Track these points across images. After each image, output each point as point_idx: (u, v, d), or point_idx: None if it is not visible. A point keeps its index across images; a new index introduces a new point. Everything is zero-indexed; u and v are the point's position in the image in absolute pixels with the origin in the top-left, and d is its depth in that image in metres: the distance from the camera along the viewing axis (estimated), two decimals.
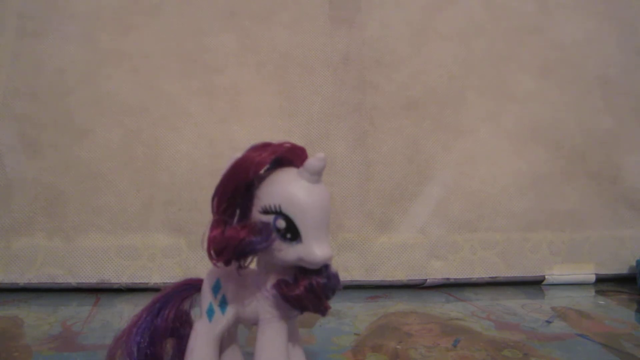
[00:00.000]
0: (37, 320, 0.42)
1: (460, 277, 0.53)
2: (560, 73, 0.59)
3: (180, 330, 0.28)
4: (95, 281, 0.50)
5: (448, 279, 0.53)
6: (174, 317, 0.28)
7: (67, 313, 0.44)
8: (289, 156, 0.25)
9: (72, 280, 0.50)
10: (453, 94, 0.57)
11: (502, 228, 0.54)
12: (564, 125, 0.56)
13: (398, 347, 0.36)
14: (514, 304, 0.47)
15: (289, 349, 0.26)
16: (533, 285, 0.54)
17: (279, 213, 0.24)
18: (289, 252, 0.24)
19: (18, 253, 0.50)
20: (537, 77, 0.58)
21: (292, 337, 0.27)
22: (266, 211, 0.24)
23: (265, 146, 0.25)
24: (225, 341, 0.27)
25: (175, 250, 0.51)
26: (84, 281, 0.50)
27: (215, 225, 0.25)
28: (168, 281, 0.49)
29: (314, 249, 0.24)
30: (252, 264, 0.26)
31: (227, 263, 0.25)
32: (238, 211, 0.25)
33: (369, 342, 0.38)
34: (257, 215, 0.25)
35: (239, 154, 0.25)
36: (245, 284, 0.26)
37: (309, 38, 0.57)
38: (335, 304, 0.47)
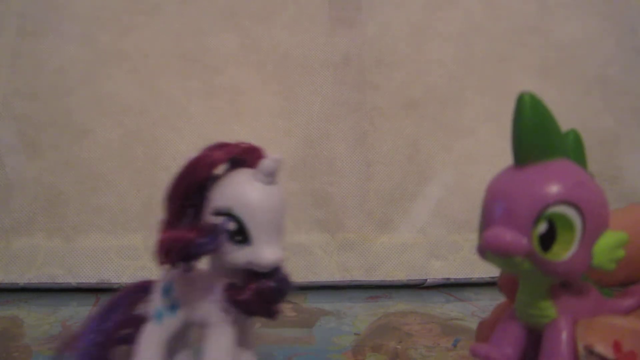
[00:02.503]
0: (37, 320, 0.42)
1: (460, 277, 0.53)
2: (560, 73, 0.59)
3: (133, 334, 0.27)
4: (95, 281, 0.50)
5: (448, 279, 0.53)
6: (124, 321, 0.27)
7: (67, 313, 0.44)
8: (245, 157, 0.25)
9: (72, 280, 0.50)
10: (453, 94, 0.57)
11: None
12: (564, 125, 0.56)
13: (398, 347, 0.36)
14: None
15: (238, 355, 0.26)
16: None
17: (230, 215, 0.23)
18: (238, 255, 0.24)
19: (18, 253, 0.50)
20: (537, 77, 0.58)
21: (244, 342, 0.26)
22: (217, 213, 0.24)
23: (220, 146, 0.25)
24: (176, 344, 0.27)
25: None
26: (84, 281, 0.50)
27: (165, 226, 0.24)
28: None
29: (263, 251, 0.23)
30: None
31: (174, 264, 0.24)
32: (191, 213, 0.24)
33: (369, 342, 0.38)
34: (209, 217, 0.24)
35: (193, 154, 0.24)
36: (196, 287, 0.25)
37: (309, 38, 0.57)
38: (335, 303, 0.47)
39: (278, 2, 0.57)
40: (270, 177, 0.24)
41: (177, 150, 0.53)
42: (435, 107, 0.56)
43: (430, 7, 0.59)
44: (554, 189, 0.19)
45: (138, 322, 0.27)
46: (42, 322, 0.42)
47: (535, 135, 0.19)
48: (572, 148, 0.21)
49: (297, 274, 0.51)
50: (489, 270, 0.54)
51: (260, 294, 0.24)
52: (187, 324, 0.26)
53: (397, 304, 0.48)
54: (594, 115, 0.57)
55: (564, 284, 0.20)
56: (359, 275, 0.52)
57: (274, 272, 0.24)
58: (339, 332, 0.40)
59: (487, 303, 0.47)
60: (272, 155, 0.24)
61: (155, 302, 0.26)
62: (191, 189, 0.24)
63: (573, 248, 0.18)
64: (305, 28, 0.57)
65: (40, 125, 0.52)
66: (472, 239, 0.54)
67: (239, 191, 0.24)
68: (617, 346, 0.18)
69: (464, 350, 0.36)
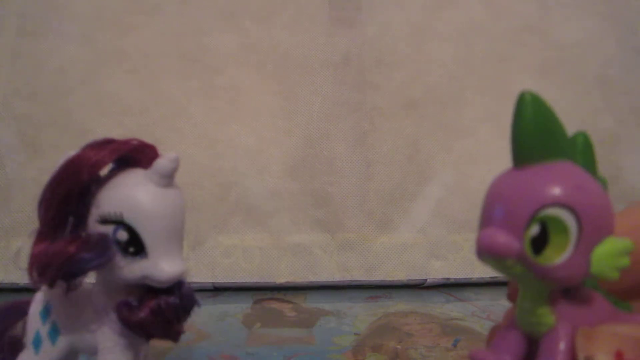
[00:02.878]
0: None
1: (461, 277, 0.53)
2: (560, 73, 0.59)
3: None
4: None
5: (448, 279, 0.53)
6: None
7: None
8: (135, 155, 0.22)
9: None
10: (453, 94, 0.57)
11: None
12: (564, 125, 0.56)
13: (398, 347, 0.36)
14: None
15: None
16: None
17: (120, 223, 0.20)
18: (132, 269, 0.20)
19: (18, 253, 0.50)
20: (537, 77, 0.58)
21: None
22: (105, 220, 0.20)
23: (106, 143, 0.22)
24: None
25: None
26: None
27: (39, 238, 0.21)
28: None
29: (161, 264, 0.20)
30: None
31: (52, 284, 0.20)
32: (71, 221, 0.21)
33: (369, 342, 0.38)
34: (94, 226, 0.21)
35: (72, 152, 0.21)
36: (81, 307, 0.22)
37: (309, 38, 0.57)
38: (335, 303, 0.47)
39: (278, 2, 0.57)
40: (167, 179, 0.21)
41: (177, 150, 0.52)
42: (435, 107, 0.56)
43: (430, 7, 0.59)
44: (548, 191, 0.18)
45: (11, 350, 0.23)
46: None
47: (535, 137, 0.19)
48: (581, 151, 0.20)
49: (297, 274, 0.51)
50: (489, 270, 0.54)
51: (159, 313, 0.21)
52: (72, 351, 0.22)
53: (397, 304, 0.48)
54: (594, 115, 0.57)
55: (566, 292, 0.20)
56: (359, 275, 0.52)
57: (175, 287, 0.21)
58: (339, 332, 0.40)
59: (487, 303, 0.47)
60: (167, 154, 0.21)
61: (32, 327, 0.23)
62: (71, 194, 0.20)
63: (567, 253, 0.18)
64: (305, 28, 0.57)
65: (40, 125, 0.52)
66: (472, 239, 0.54)
67: (131, 195, 0.20)
68: (619, 356, 0.18)
69: (464, 350, 0.36)
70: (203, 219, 0.52)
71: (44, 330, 0.22)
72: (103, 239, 0.20)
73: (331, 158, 0.54)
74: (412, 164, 0.55)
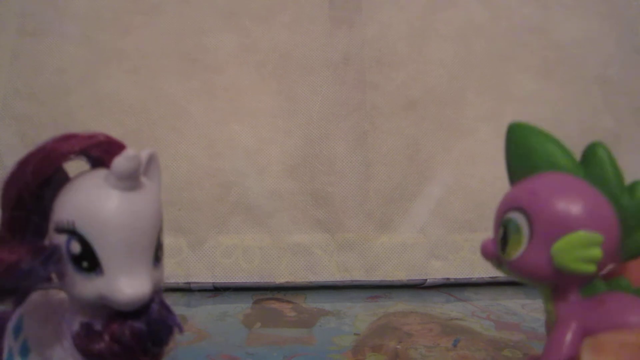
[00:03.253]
0: None
1: (460, 277, 0.53)
2: (560, 73, 0.59)
3: None
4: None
5: (448, 279, 0.53)
6: None
7: None
8: (99, 153, 0.19)
9: None
10: (453, 94, 0.57)
11: None
12: (564, 125, 0.56)
13: (398, 347, 0.36)
14: (514, 304, 0.47)
15: None
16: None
17: (73, 232, 0.17)
18: (86, 287, 0.18)
19: None
20: (537, 77, 0.58)
21: None
22: (59, 229, 0.18)
23: (67, 137, 0.19)
24: None
25: (176, 250, 0.51)
26: None
27: None
28: (168, 281, 0.49)
29: (119, 284, 0.17)
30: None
31: None
32: (32, 226, 0.18)
33: (369, 342, 0.38)
34: (52, 235, 0.18)
35: (31, 148, 0.19)
36: (48, 325, 0.19)
37: (309, 38, 0.57)
38: (335, 303, 0.47)
39: (278, 2, 0.57)
40: (127, 181, 0.18)
41: (177, 150, 0.53)
42: (435, 107, 0.56)
43: (430, 7, 0.59)
44: (508, 199, 0.22)
45: None
46: None
47: (518, 160, 0.23)
48: (592, 162, 0.22)
49: (297, 274, 0.51)
50: (489, 270, 0.54)
51: (122, 342, 0.18)
52: None
53: (397, 304, 0.48)
54: (594, 115, 0.57)
55: (583, 292, 0.21)
56: (359, 275, 0.52)
57: (144, 311, 0.18)
58: (339, 332, 0.40)
59: (487, 303, 0.47)
60: (127, 151, 0.18)
61: (6, 343, 0.20)
62: (25, 194, 0.18)
63: (522, 248, 0.21)
64: (305, 28, 0.57)
65: (40, 125, 0.52)
66: (472, 239, 0.54)
67: (84, 200, 0.18)
68: None
69: (464, 350, 0.36)
70: (203, 219, 0.52)
71: (16, 347, 0.20)
72: (51, 249, 0.18)
73: (331, 158, 0.54)
74: (412, 164, 0.55)
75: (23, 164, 0.18)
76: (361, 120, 0.55)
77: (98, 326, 0.18)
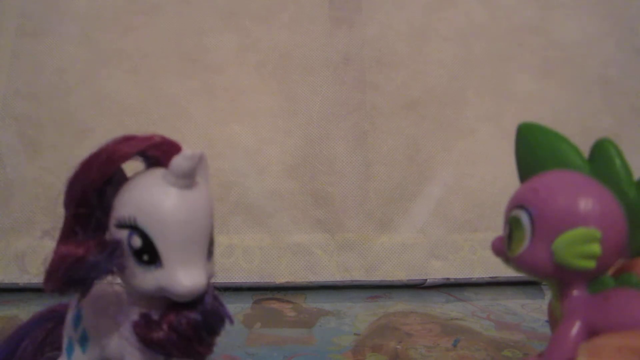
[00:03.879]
0: None
1: (460, 277, 0.53)
2: (560, 73, 0.59)
3: None
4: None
5: (448, 279, 0.53)
6: (35, 351, 0.23)
7: None
8: (156, 153, 0.20)
9: None
10: (453, 94, 0.57)
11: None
12: (564, 125, 0.56)
13: (398, 347, 0.36)
14: (514, 304, 0.47)
15: None
16: (533, 285, 0.54)
17: (134, 228, 0.19)
18: (146, 279, 0.19)
19: (18, 253, 0.50)
20: (537, 77, 0.58)
21: None
22: (120, 225, 0.19)
23: (127, 139, 0.20)
24: None
25: None
26: None
27: (59, 239, 0.20)
28: None
29: (177, 276, 0.18)
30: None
31: (59, 290, 0.19)
32: (93, 224, 0.19)
33: (369, 342, 0.38)
34: (113, 230, 0.19)
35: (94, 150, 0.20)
36: (107, 316, 0.20)
37: (309, 38, 0.57)
38: (336, 303, 0.47)
39: (278, 2, 0.57)
40: (185, 179, 0.19)
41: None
42: (435, 107, 0.56)
43: (430, 7, 0.59)
44: (514, 196, 0.22)
45: (53, 353, 0.22)
46: None
47: (527, 159, 0.23)
48: (599, 158, 0.22)
49: (297, 274, 0.51)
50: (488, 270, 0.54)
51: (179, 331, 0.19)
52: None
53: (397, 304, 0.48)
54: (594, 115, 0.57)
55: (591, 289, 0.21)
56: (359, 275, 0.52)
57: (199, 302, 0.19)
58: (339, 332, 0.40)
59: (487, 303, 0.47)
60: (185, 151, 0.19)
61: (66, 333, 0.22)
62: (87, 193, 0.19)
63: (524, 245, 0.21)
64: (305, 28, 0.57)
65: (40, 125, 0.52)
66: (472, 239, 0.54)
67: (145, 197, 0.19)
68: None
69: (464, 350, 0.36)
70: None
71: (76, 337, 0.21)
72: (114, 243, 0.19)
73: (331, 158, 0.54)
74: (412, 164, 0.55)
75: (86, 164, 0.19)
76: (361, 120, 0.55)
77: (156, 316, 0.19)
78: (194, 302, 0.19)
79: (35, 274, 0.50)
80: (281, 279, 0.51)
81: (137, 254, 0.19)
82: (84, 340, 0.21)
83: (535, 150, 0.23)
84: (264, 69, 0.56)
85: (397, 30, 0.58)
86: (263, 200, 0.53)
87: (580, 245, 0.20)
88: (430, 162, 0.55)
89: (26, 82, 0.53)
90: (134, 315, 0.20)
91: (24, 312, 0.44)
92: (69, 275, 0.19)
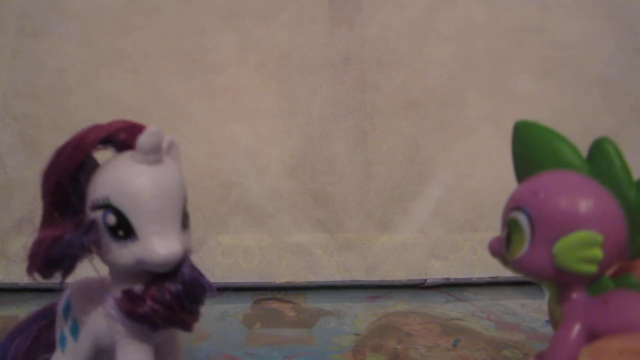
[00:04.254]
0: None
1: (460, 277, 0.53)
2: (560, 73, 0.59)
3: None
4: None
5: (448, 279, 0.53)
6: (30, 348, 0.23)
7: None
8: (124, 137, 0.21)
9: (72, 280, 0.50)
10: (453, 94, 0.57)
11: None
12: (564, 125, 0.56)
13: (398, 347, 0.36)
14: (514, 304, 0.47)
15: None
16: (533, 285, 0.54)
17: (108, 206, 0.19)
18: (124, 254, 0.19)
19: (18, 253, 0.50)
20: (537, 77, 0.58)
21: (169, 357, 0.22)
22: (95, 206, 0.20)
23: (93, 127, 0.21)
24: None
25: None
26: None
27: (40, 228, 0.20)
28: None
29: (153, 245, 0.19)
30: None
31: (46, 274, 0.20)
32: (70, 210, 0.20)
33: (369, 342, 0.38)
34: (89, 214, 0.20)
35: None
36: (97, 301, 0.21)
37: (309, 38, 0.57)
38: (336, 303, 0.47)
39: (278, 2, 0.57)
40: (151, 155, 0.20)
41: None
42: (435, 107, 0.56)
43: (430, 7, 0.59)
44: (512, 198, 0.22)
45: (48, 349, 0.23)
46: None
47: (525, 158, 0.23)
48: (598, 158, 0.22)
49: (297, 274, 0.51)
50: (488, 270, 0.54)
51: (162, 302, 0.19)
52: (98, 349, 0.21)
53: (397, 304, 0.48)
54: (594, 115, 0.57)
55: (590, 292, 0.21)
56: (359, 275, 0.52)
57: (177, 271, 0.20)
58: (339, 332, 0.40)
59: (487, 303, 0.47)
60: (149, 128, 0.20)
61: (58, 325, 0.22)
62: (61, 181, 0.20)
63: (524, 248, 0.21)
64: (305, 28, 0.57)
65: (40, 125, 0.52)
66: (472, 239, 0.54)
67: (115, 176, 0.20)
68: None
69: (464, 350, 0.36)
70: (203, 219, 0.52)
71: (67, 327, 0.22)
72: (90, 222, 0.20)
73: (331, 158, 0.54)
74: (412, 164, 0.55)
75: (58, 154, 0.20)
76: (361, 120, 0.55)
77: (139, 292, 0.20)
78: (173, 273, 0.20)
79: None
80: (281, 279, 0.51)
81: (113, 230, 0.19)
82: (75, 329, 0.21)
83: (532, 149, 0.22)
84: (264, 69, 0.56)
85: (397, 30, 0.58)
86: (263, 200, 0.53)
87: (581, 249, 0.19)
88: (430, 162, 0.55)
89: (26, 82, 0.53)
90: (118, 293, 0.20)
91: (24, 312, 0.44)
92: (48, 255, 0.19)
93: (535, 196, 0.21)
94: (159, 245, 0.19)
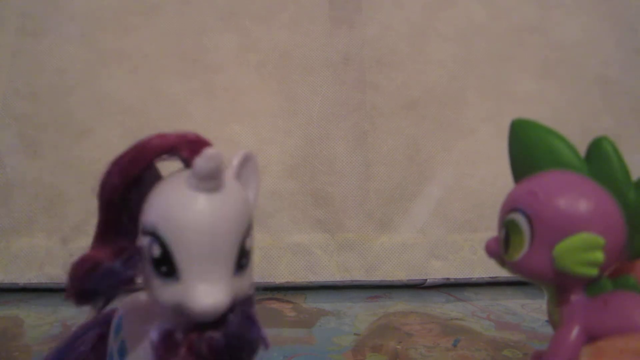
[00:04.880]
0: (37, 320, 0.42)
1: (460, 277, 0.53)
2: (560, 73, 0.59)
3: None
4: None
5: (448, 279, 0.53)
6: (88, 357, 0.21)
7: (67, 313, 0.44)
8: (188, 154, 0.18)
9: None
10: (453, 94, 0.57)
11: None
12: (564, 125, 0.56)
13: (398, 347, 0.36)
14: (514, 304, 0.47)
15: None
16: (533, 285, 0.54)
17: (155, 235, 0.17)
18: (165, 293, 0.17)
19: (18, 253, 0.50)
20: (537, 77, 0.58)
21: None
22: (144, 231, 0.17)
23: (157, 136, 0.18)
24: None
25: None
26: None
27: (92, 243, 0.18)
28: None
29: (195, 292, 0.16)
30: None
31: (78, 301, 0.17)
32: (127, 229, 0.18)
33: (369, 342, 0.38)
34: (140, 236, 0.17)
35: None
36: (146, 328, 0.18)
37: (309, 38, 0.57)
38: (336, 303, 0.47)
39: (278, 2, 0.57)
40: (208, 182, 0.17)
41: None
42: (435, 107, 0.56)
43: (430, 7, 0.59)
44: (509, 198, 0.22)
45: None
46: (42, 322, 0.42)
47: (522, 157, 0.22)
48: (598, 158, 0.21)
49: (297, 274, 0.51)
50: (489, 270, 0.54)
51: (199, 354, 0.17)
52: None
53: (397, 304, 0.48)
54: (594, 115, 0.57)
55: (589, 293, 0.20)
56: (359, 275, 0.52)
57: (224, 320, 0.17)
58: (339, 332, 0.40)
59: (487, 303, 0.47)
60: (206, 150, 0.17)
61: (109, 342, 0.20)
62: (113, 197, 0.17)
63: (523, 250, 0.20)
64: (305, 28, 0.57)
65: (40, 125, 0.52)
66: (472, 239, 0.54)
67: (165, 201, 0.17)
68: None
69: (464, 350, 0.36)
70: None
71: (115, 347, 0.20)
72: (134, 250, 0.17)
73: (331, 158, 0.54)
74: (412, 164, 0.55)
75: (116, 162, 0.18)
76: (361, 120, 0.55)
77: (179, 334, 0.17)
78: (217, 322, 0.17)
79: (35, 274, 0.50)
80: (281, 279, 0.51)
81: (156, 264, 0.17)
82: (122, 352, 0.19)
83: (530, 148, 0.22)
84: (264, 69, 0.56)
85: (397, 30, 0.58)
86: (263, 200, 0.53)
87: (583, 252, 0.19)
88: (430, 162, 0.55)
89: (26, 82, 0.53)
90: (158, 331, 0.17)
91: (24, 312, 0.44)
92: (87, 280, 0.17)
93: (534, 197, 0.20)
94: (201, 292, 0.16)
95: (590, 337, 0.19)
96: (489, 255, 0.22)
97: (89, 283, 0.17)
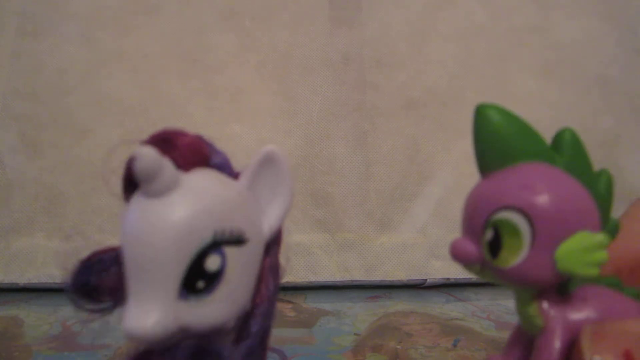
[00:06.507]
0: (37, 320, 0.42)
1: (460, 277, 0.53)
2: (560, 73, 0.59)
3: None
4: None
5: (448, 279, 0.53)
6: None
7: (67, 313, 0.44)
8: (171, 151, 0.16)
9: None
10: (453, 94, 0.57)
11: None
12: (564, 125, 0.56)
13: (398, 347, 0.36)
14: (514, 304, 0.47)
15: None
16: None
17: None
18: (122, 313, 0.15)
19: (18, 253, 0.50)
20: (537, 77, 0.58)
21: None
22: None
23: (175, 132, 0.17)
24: None
25: None
26: None
27: None
28: None
29: (125, 312, 0.14)
30: None
31: (73, 291, 0.16)
32: None
33: (369, 342, 0.38)
34: None
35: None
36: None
37: (309, 38, 0.57)
38: (336, 303, 0.47)
39: (278, 2, 0.57)
40: (144, 185, 0.14)
41: None
42: (435, 107, 0.56)
43: (430, 7, 0.59)
44: (496, 196, 0.19)
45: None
46: (42, 322, 0.42)
47: (491, 147, 0.20)
48: (567, 148, 0.20)
49: (297, 274, 0.51)
50: None
51: None
52: None
53: (397, 304, 0.48)
54: (594, 115, 0.57)
55: (562, 293, 0.19)
56: (359, 275, 0.52)
57: (172, 351, 0.14)
58: (339, 332, 0.40)
59: (487, 303, 0.47)
60: (140, 148, 0.15)
61: None
62: (125, 192, 0.16)
63: (522, 253, 0.18)
64: (305, 28, 0.57)
65: (40, 125, 0.52)
66: None
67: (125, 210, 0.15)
68: (627, 356, 0.17)
69: (464, 350, 0.36)
70: None
71: None
72: (114, 253, 0.15)
73: (331, 158, 0.54)
74: (412, 164, 0.55)
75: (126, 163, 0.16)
76: (361, 120, 0.55)
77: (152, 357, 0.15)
78: (164, 353, 0.14)
79: (35, 274, 0.50)
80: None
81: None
82: None
83: (500, 137, 0.20)
84: (264, 69, 0.56)
85: (397, 30, 0.58)
86: None
87: (587, 252, 0.17)
88: (430, 162, 0.55)
89: (26, 82, 0.53)
90: (134, 352, 0.16)
91: (24, 312, 0.44)
92: (77, 271, 0.16)
93: (533, 194, 0.18)
94: (128, 313, 0.14)
95: (573, 336, 0.19)
96: (463, 260, 0.19)
97: (81, 271, 0.16)
